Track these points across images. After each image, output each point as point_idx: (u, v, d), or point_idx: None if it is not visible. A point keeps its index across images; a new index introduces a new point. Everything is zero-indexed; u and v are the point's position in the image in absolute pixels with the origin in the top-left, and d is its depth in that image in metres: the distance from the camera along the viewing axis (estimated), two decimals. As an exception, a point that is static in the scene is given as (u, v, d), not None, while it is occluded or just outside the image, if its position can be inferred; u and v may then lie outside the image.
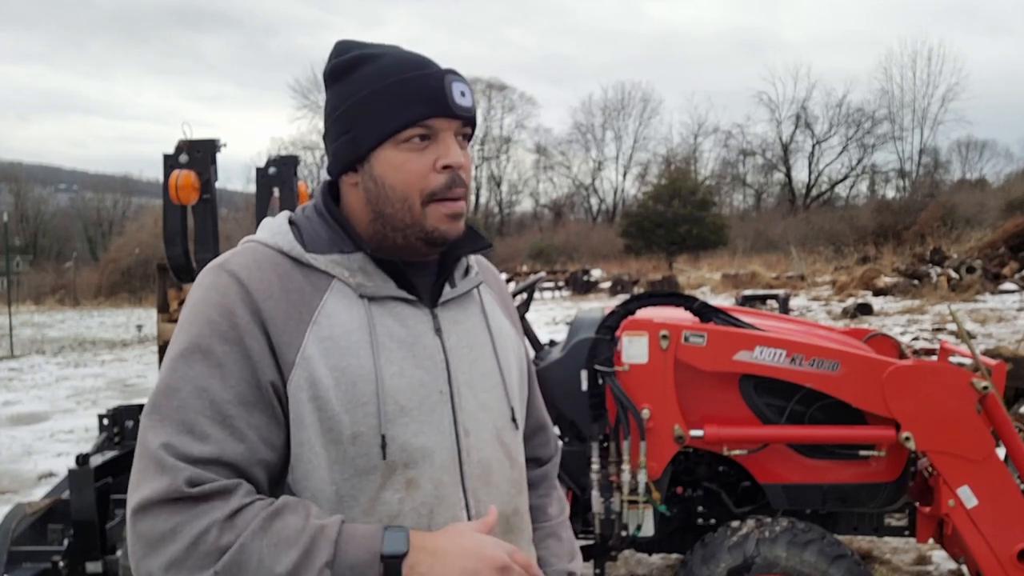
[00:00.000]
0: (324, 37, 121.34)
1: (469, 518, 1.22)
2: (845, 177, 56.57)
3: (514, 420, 1.32)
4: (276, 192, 4.75)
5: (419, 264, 1.27)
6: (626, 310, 3.32)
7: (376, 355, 1.17)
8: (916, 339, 12.06)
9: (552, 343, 3.97)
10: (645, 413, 3.14)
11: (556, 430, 1.83)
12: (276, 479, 1.16)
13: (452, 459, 1.21)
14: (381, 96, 1.18)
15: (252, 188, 5.11)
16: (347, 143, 1.22)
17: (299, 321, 1.15)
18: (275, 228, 1.25)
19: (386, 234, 1.23)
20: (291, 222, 1.26)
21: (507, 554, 1.12)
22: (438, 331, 1.25)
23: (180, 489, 1.04)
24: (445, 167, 1.19)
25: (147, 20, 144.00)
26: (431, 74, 1.19)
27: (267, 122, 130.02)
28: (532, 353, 3.76)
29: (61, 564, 3.39)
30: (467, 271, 1.35)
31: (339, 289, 1.20)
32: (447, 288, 1.29)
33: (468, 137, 1.26)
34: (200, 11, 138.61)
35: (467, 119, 1.22)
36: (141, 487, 1.06)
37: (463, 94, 1.20)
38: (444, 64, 1.25)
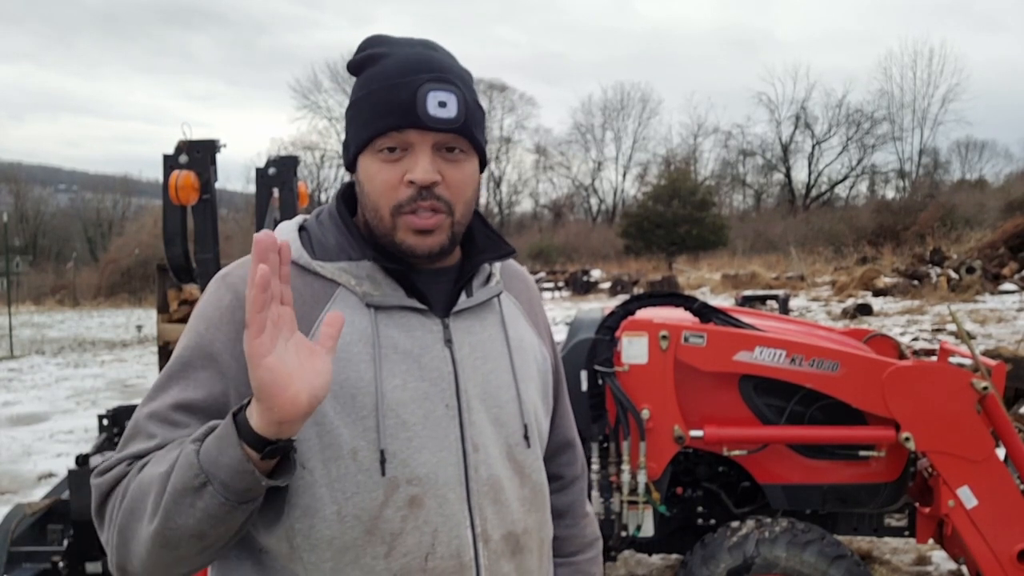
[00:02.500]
0: (313, 35, 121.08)
1: (475, 537, 1.18)
2: (845, 177, 56.62)
3: (527, 437, 1.26)
4: (276, 192, 4.75)
5: (435, 271, 1.23)
6: (626, 310, 3.32)
7: (378, 367, 1.14)
8: (916, 339, 12.06)
9: (552, 343, 3.97)
10: (645, 413, 3.14)
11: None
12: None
13: (458, 476, 1.17)
14: (364, 103, 1.17)
15: (251, 188, 5.12)
16: (344, 145, 1.23)
17: None
18: (285, 234, 1.23)
19: (379, 239, 1.20)
20: (302, 227, 1.24)
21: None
22: (448, 342, 1.20)
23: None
24: (411, 182, 1.14)
25: (133, 17, 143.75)
26: (406, 83, 1.13)
27: (261, 122, 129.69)
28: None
29: (61, 564, 3.40)
30: (488, 279, 1.29)
31: (344, 298, 1.17)
32: (463, 297, 1.24)
33: (467, 148, 1.18)
34: (186, 8, 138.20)
35: (447, 131, 1.14)
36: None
37: (442, 104, 1.13)
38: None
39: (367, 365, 1.14)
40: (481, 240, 1.29)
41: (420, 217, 1.14)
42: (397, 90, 1.13)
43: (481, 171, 1.24)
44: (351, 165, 1.22)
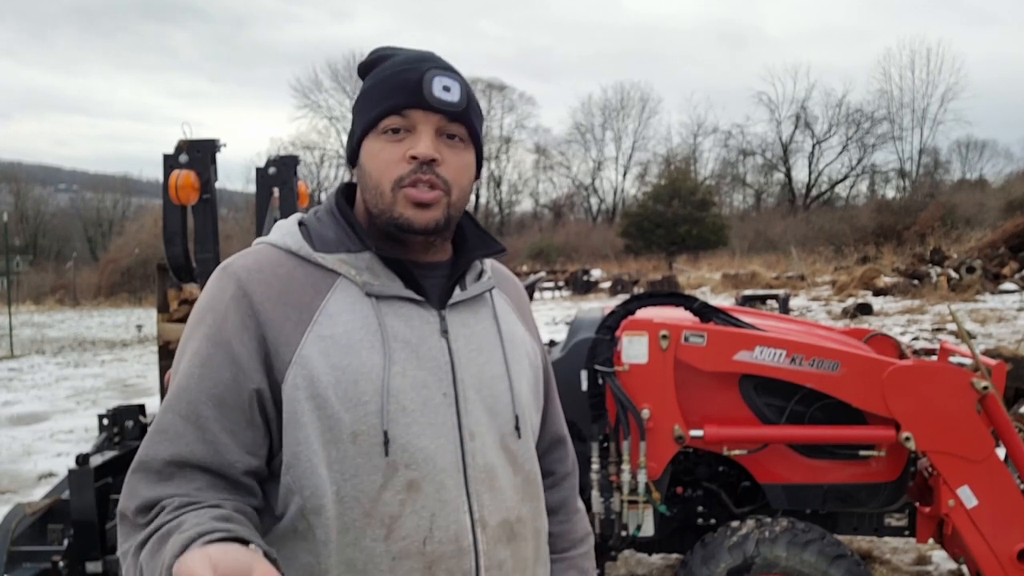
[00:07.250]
0: (293, 30, 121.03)
1: (472, 523, 1.21)
2: (845, 177, 56.60)
3: (518, 428, 1.29)
4: (276, 192, 4.75)
5: (430, 265, 1.28)
6: (626, 310, 3.32)
7: (387, 355, 1.18)
8: (916, 339, 12.06)
9: (552, 343, 3.97)
10: (645, 413, 3.14)
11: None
12: (263, 479, 1.18)
13: (455, 462, 1.21)
14: (372, 91, 1.24)
15: (251, 188, 5.12)
16: (349, 136, 1.29)
17: (298, 321, 1.17)
18: (285, 229, 1.28)
19: (379, 226, 1.25)
20: (301, 223, 1.29)
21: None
22: (444, 333, 1.25)
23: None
24: (413, 157, 1.20)
25: (109, 12, 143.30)
26: (413, 68, 1.21)
27: (249, 120, 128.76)
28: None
29: (61, 564, 3.39)
30: (480, 275, 1.35)
31: (344, 287, 1.21)
32: (457, 290, 1.29)
33: (465, 137, 1.25)
34: (163, 2, 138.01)
35: (448, 113, 1.21)
36: (124, 493, 1.13)
37: (447, 88, 1.21)
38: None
39: (369, 352, 1.18)
40: (472, 238, 1.35)
41: (419, 190, 1.20)
42: (405, 74, 1.21)
43: (477, 173, 1.30)
44: (354, 155, 1.27)
